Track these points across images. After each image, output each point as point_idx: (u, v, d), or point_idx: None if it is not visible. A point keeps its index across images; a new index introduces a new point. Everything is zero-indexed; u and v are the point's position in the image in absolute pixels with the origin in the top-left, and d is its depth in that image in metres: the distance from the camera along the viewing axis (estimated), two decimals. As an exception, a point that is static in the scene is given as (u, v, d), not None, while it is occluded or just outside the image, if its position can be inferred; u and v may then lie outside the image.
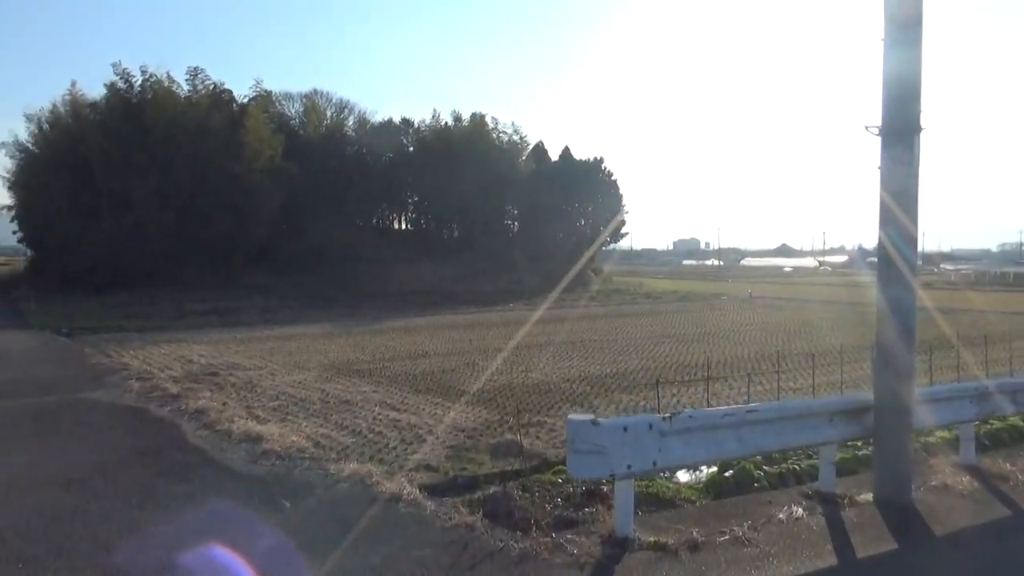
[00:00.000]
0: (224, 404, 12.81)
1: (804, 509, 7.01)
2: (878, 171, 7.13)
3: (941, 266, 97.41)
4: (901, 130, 6.88)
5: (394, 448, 10.10)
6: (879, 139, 7.09)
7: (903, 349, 7.10)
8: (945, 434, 10.21)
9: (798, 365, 17.57)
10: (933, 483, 7.92)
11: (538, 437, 10.71)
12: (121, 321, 28.62)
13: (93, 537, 6.38)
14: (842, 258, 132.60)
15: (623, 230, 66.27)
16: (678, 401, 13.28)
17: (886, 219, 7.04)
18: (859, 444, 8.97)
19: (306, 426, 11.25)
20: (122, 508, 7.19)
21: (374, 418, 11.95)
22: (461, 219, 59.27)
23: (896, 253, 6.83)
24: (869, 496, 7.39)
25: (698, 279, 72.99)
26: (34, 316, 29.42)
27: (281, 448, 9.43)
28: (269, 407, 12.78)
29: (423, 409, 12.67)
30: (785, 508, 7.01)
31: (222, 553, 5.87)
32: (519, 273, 52.29)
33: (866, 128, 7.12)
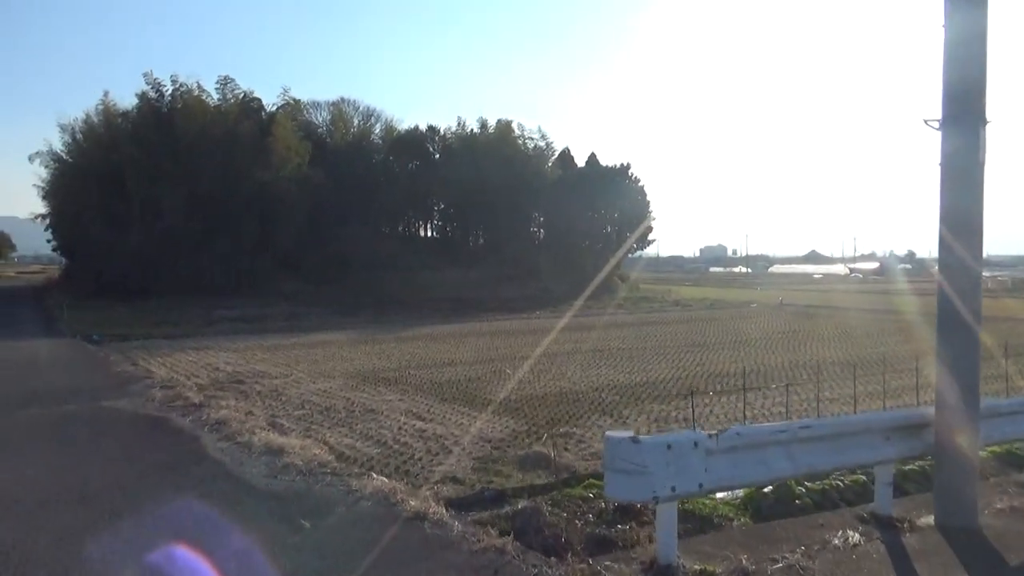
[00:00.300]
0: (248, 414, 12.56)
1: (860, 534, 6.47)
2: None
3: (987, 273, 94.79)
4: (965, 121, 6.36)
5: (419, 459, 9.73)
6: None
7: (968, 358, 6.56)
8: (996, 449, 9.60)
9: (834, 375, 16.94)
10: (999, 506, 7.33)
11: (567, 449, 10.28)
12: (151, 328, 28.73)
13: (103, 559, 6.07)
14: (873, 265, 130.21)
15: (650, 236, 65.38)
16: (711, 413, 12.76)
17: (948, 215, 6.52)
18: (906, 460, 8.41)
19: (330, 436, 10.93)
20: (135, 527, 6.89)
21: (399, 428, 11.61)
22: (487, 226, 59.02)
23: (960, 252, 6.31)
24: (930, 520, 6.83)
25: (726, 286, 71.91)
26: (66, 323, 29.66)
27: (303, 462, 9.08)
28: (294, 416, 12.51)
29: (449, 418, 12.31)
30: (839, 533, 6.49)
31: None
32: (545, 280, 51.84)
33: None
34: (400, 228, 60.59)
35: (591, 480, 8.58)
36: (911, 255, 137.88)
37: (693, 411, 10.25)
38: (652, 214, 62.75)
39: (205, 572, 5.65)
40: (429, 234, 63.22)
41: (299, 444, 9.96)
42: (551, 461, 9.35)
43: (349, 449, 10.17)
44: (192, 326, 29.48)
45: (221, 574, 5.63)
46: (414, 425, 11.76)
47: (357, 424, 11.88)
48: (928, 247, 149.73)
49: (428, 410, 13.08)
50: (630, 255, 69.67)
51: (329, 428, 11.58)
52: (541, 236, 61.64)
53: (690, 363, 19.04)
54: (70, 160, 46.51)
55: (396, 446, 10.45)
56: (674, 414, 12.61)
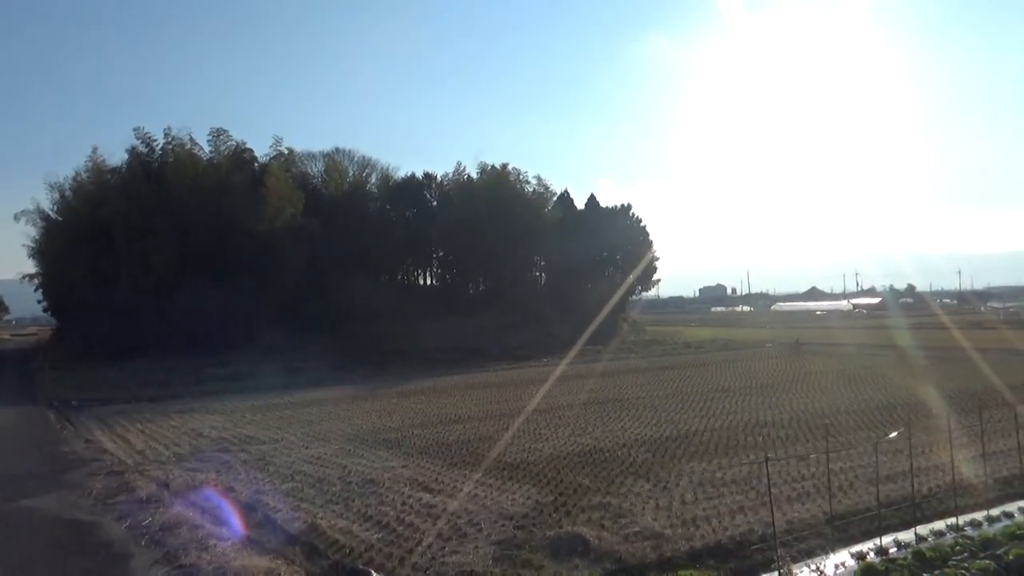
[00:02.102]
0: (230, 488, 10.97)
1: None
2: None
3: (989, 304, 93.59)
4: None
5: (429, 547, 8.11)
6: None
7: None
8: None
9: (885, 419, 15.35)
10: None
11: (603, 526, 8.66)
12: (137, 390, 27.21)
13: None
14: (875, 300, 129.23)
15: (654, 277, 64.11)
16: (778, 473, 11.12)
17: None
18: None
19: (322, 517, 9.31)
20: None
21: (403, 503, 9.99)
22: (487, 272, 57.74)
23: None
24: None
25: (733, 326, 70.30)
26: (46, 388, 27.98)
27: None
28: (281, 491, 10.89)
29: (460, 489, 10.68)
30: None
31: None
32: (549, 326, 50.34)
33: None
34: (399, 277, 59.31)
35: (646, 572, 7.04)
36: (911, 288, 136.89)
37: (768, 480, 8.60)
38: (656, 253, 61.63)
39: None
40: (428, 282, 61.87)
41: (264, 568, 7.43)
42: (589, 546, 7.74)
43: (344, 535, 8.54)
44: (180, 386, 27.88)
45: None
46: (420, 499, 10.14)
47: (354, 499, 10.25)
48: (929, 280, 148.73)
49: (436, 478, 11.45)
50: (632, 297, 68.36)
51: (322, 506, 9.95)
52: (543, 281, 60.37)
53: (718, 411, 17.43)
54: (58, 219, 45.36)
55: (400, 528, 8.82)
56: (719, 475, 10.99)
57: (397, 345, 40.75)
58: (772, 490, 9.99)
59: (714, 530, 8.30)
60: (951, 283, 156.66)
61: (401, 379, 28.60)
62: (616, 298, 56.40)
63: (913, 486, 8.95)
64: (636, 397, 20.63)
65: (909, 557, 6.84)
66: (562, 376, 27.53)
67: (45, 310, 59.86)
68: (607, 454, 12.85)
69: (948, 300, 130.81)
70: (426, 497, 10.25)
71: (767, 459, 7.64)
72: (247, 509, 9.92)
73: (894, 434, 11.50)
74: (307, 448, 14.48)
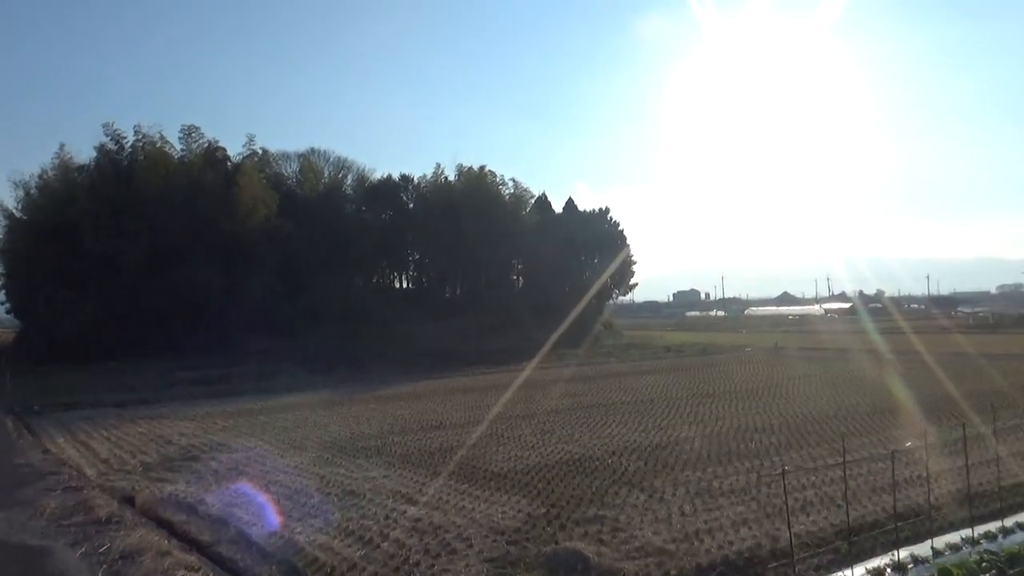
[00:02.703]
0: (200, 501, 10.33)
1: None
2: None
3: (959, 309, 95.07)
4: None
5: (417, 565, 7.56)
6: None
7: None
8: None
9: (875, 425, 15.09)
10: None
11: (601, 540, 8.18)
12: (104, 394, 26.22)
13: None
14: (846, 305, 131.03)
15: (632, 281, 63.96)
16: (792, 487, 10.74)
17: None
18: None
19: (300, 531, 8.72)
20: None
21: (386, 516, 9.42)
22: (464, 275, 57.24)
23: None
24: None
25: (709, 330, 70.44)
26: (6, 392, 26.85)
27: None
28: (256, 503, 10.25)
29: (447, 501, 10.13)
30: None
31: None
32: (527, 329, 49.85)
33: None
34: (374, 280, 58.43)
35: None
36: (880, 294, 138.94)
37: (785, 492, 8.18)
38: (634, 257, 61.52)
39: None
40: (404, 285, 61.12)
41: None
42: (590, 564, 7.25)
43: (324, 552, 7.95)
44: (149, 390, 26.93)
45: None
46: (405, 512, 9.57)
47: (334, 512, 9.65)
48: (896, 285, 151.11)
49: (419, 489, 10.89)
50: (609, 301, 68.26)
51: (299, 520, 9.35)
52: (520, 284, 59.95)
53: (706, 417, 17.06)
54: (23, 217, 43.87)
55: (385, 544, 8.25)
56: (716, 485, 10.57)
57: (374, 349, 40.01)
58: (774, 500, 9.64)
59: (719, 545, 7.85)
60: (918, 288, 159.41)
61: (378, 383, 27.92)
62: (592, 301, 56.26)
63: (930, 498, 8.58)
64: (621, 402, 20.23)
65: (936, 574, 6.44)
66: (542, 380, 27.08)
67: (8, 312, 58.08)
68: (597, 462, 12.38)
69: (916, 305, 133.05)
70: (411, 510, 9.69)
71: (784, 471, 7.19)
72: (218, 523, 9.29)
73: (910, 443, 11.16)
74: (283, 457, 13.82)
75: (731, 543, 7.87)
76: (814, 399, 19.56)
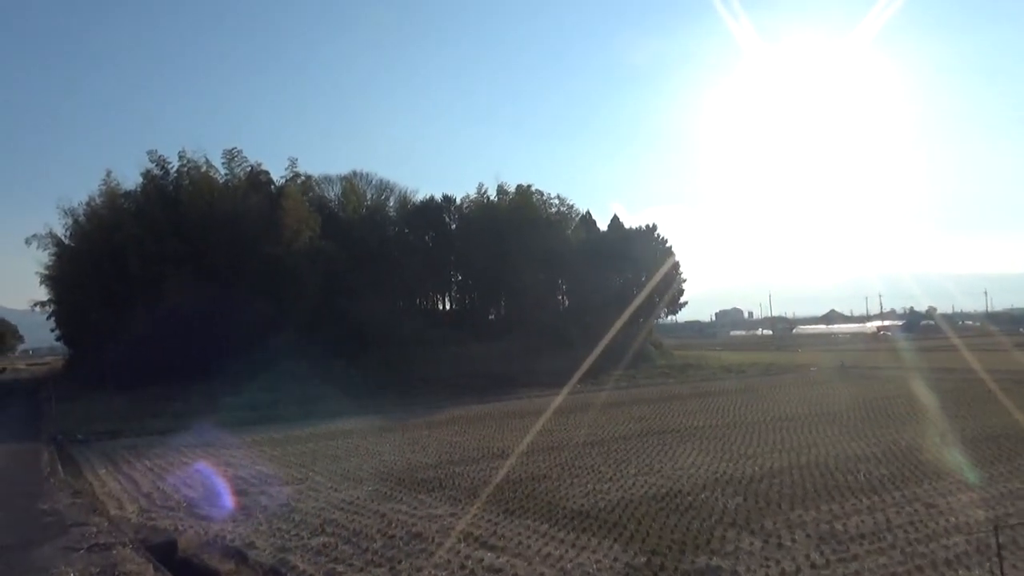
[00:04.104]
0: (250, 544, 9.18)
1: None
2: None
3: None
4: None
5: (509, 632, 6.25)
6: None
7: None
8: None
9: (1002, 453, 13.34)
10: None
11: (725, 598, 6.77)
12: (149, 421, 25.53)
13: None
14: (899, 322, 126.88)
15: (681, 299, 62.05)
16: (952, 522, 9.19)
17: None
18: None
19: (365, 586, 7.49)
20: None
21: (462, 565, 8.14)
22: (509, 296, 55.99)
23: None
24: None
25: (759, 350, 67.83)
26: (52, 420, 26.38)
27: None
28: (311, 548, 9.08)
29: (529, 546, 8.80)
30: None
31: None
32: (575, 351, 48.32)
33: None
34: (418, 302, 57.61)
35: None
36: (932, 310, 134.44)
37: (999, 555, 6.67)
38: (683, 275, 59.70)
39: None
40: (448, 307, 60.22)
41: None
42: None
43: (398, 615, 6.71)
44: (195, 417, 26.12)
45: None
46: (482, 560, 8.28)
47: (401, 561, 8.40)
48: (942, 302, 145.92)
49: (494, 531, 9.59)
50: (658, 320, 66.51)
51: (362, 570, 8.12)
52: (566, 304, 58.55)
53: (796, 443, 15.44)
54: (71, 244, 44.19)
55: (467, 603, 6.97)
56: (839, 527, 9.04)
57: (419, 372, 38.96)
58: (919, 547, 8.11)
59: (879, 610, 6.39)
60: (969, 305, 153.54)
61: (428, 408, 26.76)
62: (640, 320, 54.69)
63: None
64: (693, 427, 18.68)
65: None
66: (599, 403, 25.64)
67: (58, 339, 58.72)
68: (689, 498, 10.94)
69: (971, 322, 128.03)
70: (488, 557, 8.39)
71: (997, 527, 5.72)
72: None
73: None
74: (337, 491, 12.65)
75: (894, 607, 6.41)
76: (910, 424, 17.75)
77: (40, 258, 47.56)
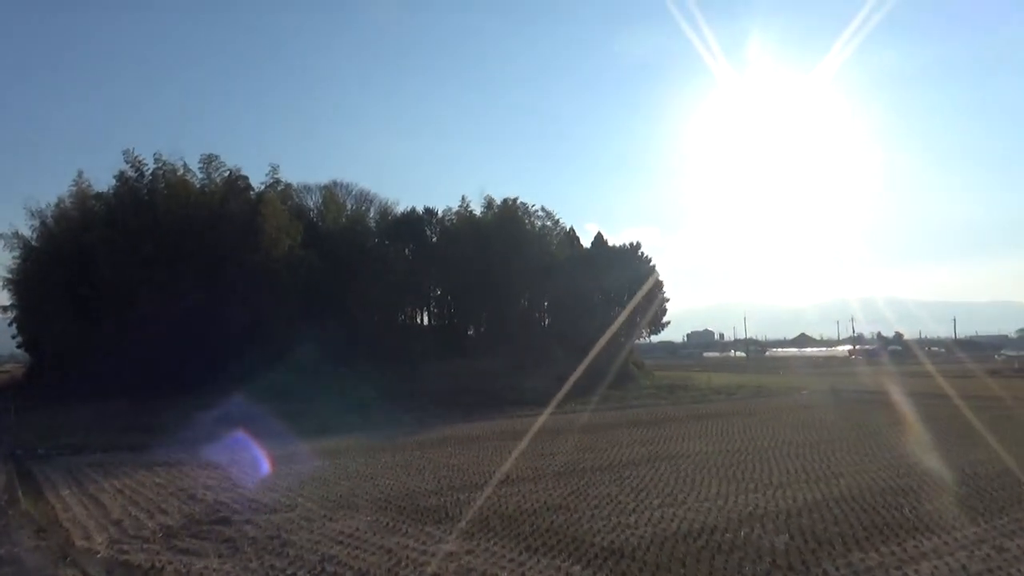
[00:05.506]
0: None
1: None
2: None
3: (1002, 352, 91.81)
4: None
5: None
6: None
7: None
8: None
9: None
10: None
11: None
12: (117, 435, 23.93)
13: None
14: (872, 347, 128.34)
15: (664, 319, 61.49)
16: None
17: None
18: None
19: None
20: None
21: (493, 617, 7.02)
22: (490, 311, 54.90)
23: None
24: None
25: (737, 371, 67.19)
26: (10, 433, 24.63)
27: None
28: (312, 591, 7.88)
29: (565, 593, 7.71)
30: None
31: None
32: (559, 369, 47.33)
33: None
34: (398, 316, 56.27)
35: None
36: (899, 336, 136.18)
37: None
38: (666, 295, 59.19)
39: None
40: (427, 322, 58.93)
41: None
42: None
43: None
44: (167, 432, 24.56)
45: None
46: (518, 611, 7.16)
47: (422, 610, 7.26)
48: (909, 328, 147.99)
49: (519, 572, 8.47)
50: (639, 340, 65.94)
51: (380, 622, 6.97)
52: (547, 322, 57.63)
53: (820, 472, 14.53)
54: (36, 245, 42.27)
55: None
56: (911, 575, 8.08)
57: (402, 387, 37.62)
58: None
59: None
60: (933, 331, 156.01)
61: (417, 425, 25.50)
62: (621, 340, 53.97)
63: None
64: (702, 452, 17.71)
65: None
66: (596, 425, 24.61)
67: (19, 346, 56.20)
68: (728, 535, 9.93)
69: (937, 348, 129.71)
70: (522, 606, 7.27)
71: None
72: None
73: None
74: (331, 520, 11.43)
75: None
76: (933, 451, 16.95)
77: (3, 260, 45.58)
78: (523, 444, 19.61)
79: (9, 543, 10.01)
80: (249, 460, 18.13)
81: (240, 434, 22.27)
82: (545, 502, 12.30)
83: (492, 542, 9.91)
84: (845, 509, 11.29)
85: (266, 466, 17.25)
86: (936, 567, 8.31)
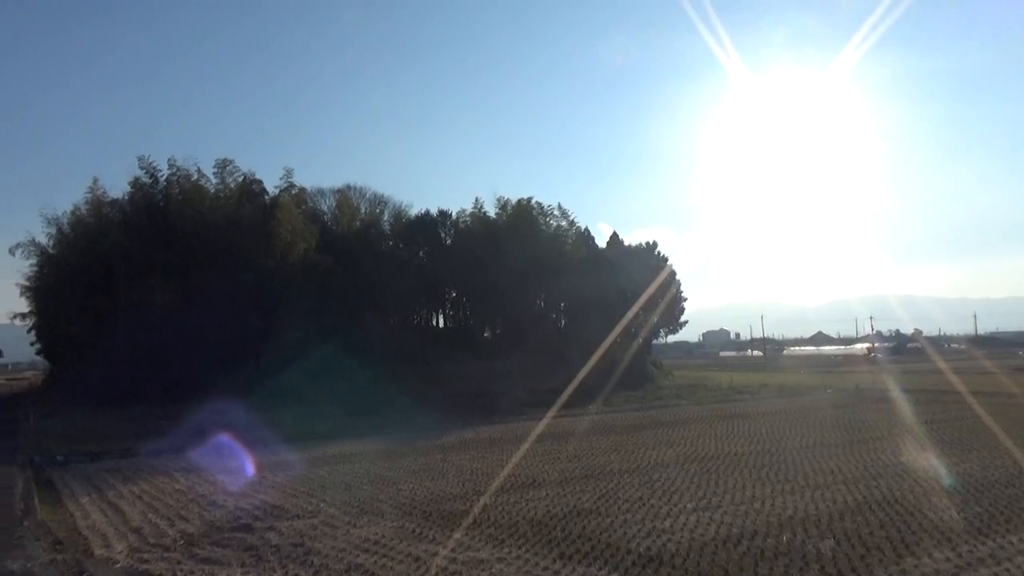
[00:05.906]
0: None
1: None
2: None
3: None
4: None
5: None
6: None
7: None
8: None
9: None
10: None
11: None
12: (134, 441, 23.78)
13: None
14: (886, 344, 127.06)
15: (681, 319, 60.90)
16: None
17: None
18: None
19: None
20: None
21: (532, 629, 6.64)
22: (506, 313, 54.53)
23: None
24: None
25: (756, 371, 66.44)
26: (29, 439, 24.55)
27: None
28: (340, 602, 7.54)
29: (605, 603, 7.32)
30: None
31: None
32: (575, 370, 46.92)
33: None
34: (413, 318, 56.07)
35: None
36: (918, 333, 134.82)
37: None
38: (684, 295, 58.61)
39: None
40: (442, 324, 58.66)
41: None
42: None
43: None
44: (184, 437, 24.35)
45: None
46: (559, 623, 6.79)
47: (457, 622, 6.90)
48: (924, 325, 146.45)
49: (556, 581, 8.11)
50: (655, 340, 65.44)
51: (413, 636, 6.61)
52: (563, 322, 57.19)
53: (854, 474, 14.05)
54: (53, 253, 42.36)
55: None
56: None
57: (417, 390, 37.30)
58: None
59: None
60: (949, 328, 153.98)
61: (435, 429, 25.16)
62: (639, 340, 53.54)
63: None
64: (732, 453, 17.26)
65: None
66: (618, 426, 24.20)
67: (38, 353, 56.49)
68: (770, 540, 9.50)
69: (956, 345, 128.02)
70: (562, 618, 6.89)
71: None
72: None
73: None
74: (356, 526, 11.10)
75: None
76: (972, 451, 16.39)
77: (21, 268, 45.71)
78: (545, 446, 19.26)
79: (23, 557, 9.60)
80: (267, 464, 17.86)
81: (256, 438, 22.06)
82: (575, 506, 11.92)
83: (523, 549, 9.54)
84: (889, 512, 10.83)
85: (284, 470, 16.96)
86: (997, 574, 7.85)
